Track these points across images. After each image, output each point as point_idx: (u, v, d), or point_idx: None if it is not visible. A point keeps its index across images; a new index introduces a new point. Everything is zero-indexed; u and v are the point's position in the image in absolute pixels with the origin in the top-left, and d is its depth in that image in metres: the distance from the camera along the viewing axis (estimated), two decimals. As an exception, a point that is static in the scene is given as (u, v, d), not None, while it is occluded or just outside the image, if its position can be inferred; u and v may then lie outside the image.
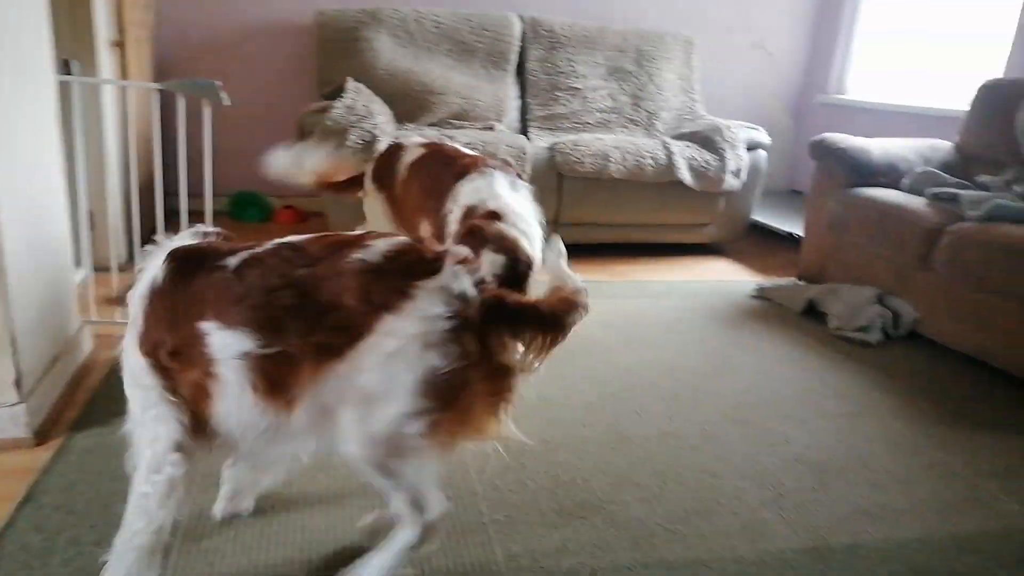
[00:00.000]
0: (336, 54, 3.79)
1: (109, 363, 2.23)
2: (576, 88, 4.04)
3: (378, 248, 1.17)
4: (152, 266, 1.22)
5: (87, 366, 2.20)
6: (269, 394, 1.15)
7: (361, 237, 1.21)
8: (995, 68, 3.64)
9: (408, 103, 3.74)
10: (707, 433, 2.04)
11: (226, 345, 1.13)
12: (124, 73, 3.12)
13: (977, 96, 3.29)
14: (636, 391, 2.28)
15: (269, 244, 1.21)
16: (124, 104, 2.99)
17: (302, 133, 3.40)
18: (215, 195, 2.50)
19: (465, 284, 1.17)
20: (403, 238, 1.23)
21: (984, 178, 2.98)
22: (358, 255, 1.16)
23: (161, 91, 2.31)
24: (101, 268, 2.95)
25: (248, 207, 4.02)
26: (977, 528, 1.69)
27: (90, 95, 2.77)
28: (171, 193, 2.56)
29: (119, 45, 3.05)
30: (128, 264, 3.10)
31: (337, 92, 3.49)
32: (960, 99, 3.48)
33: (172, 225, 2.66)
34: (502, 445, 1.88)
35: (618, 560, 1.49)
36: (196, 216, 2.60)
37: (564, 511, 1.64)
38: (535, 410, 2.10)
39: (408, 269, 1.16)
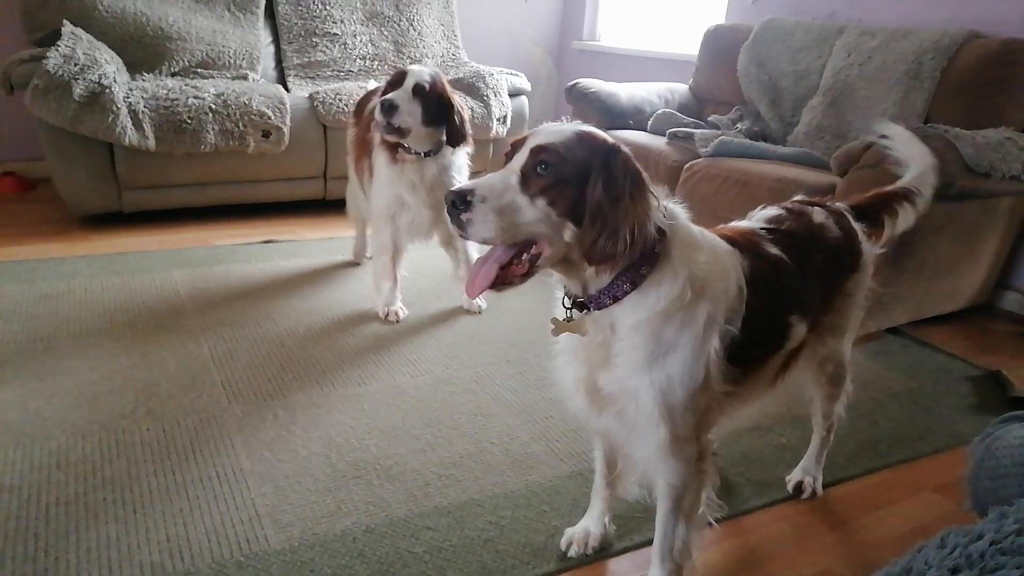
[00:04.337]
0: (46, -7, 3.28)
1: None
2: (335, 34, 3.85)
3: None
4: None
5: None
6: None
7: None
8: (718, 14, 3.98)
9: (142, 51, 3.34)
10: (481, 376, 2.10)
11: None
12: None
13: (703, 41, 3.60)
14: (412, 344, 2.28)
15: None
16: None
17: (10, 86, 2.93)
18: None
19: None
20: None
21: (714, 117, 3.30)
22: None
23: None
24: None
25: (-47, 176, 3.43)
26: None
27: None
28: None
29: None
30: None
31: (52, 38, 3.03)
32: (694, 44, 3.78)
33: None
34: (271, 415, 1.81)
35: (393, 513, 1.49)
36: None
37: (337, 473, 1.61)
38: (295, 370, 2.04)
39: None
